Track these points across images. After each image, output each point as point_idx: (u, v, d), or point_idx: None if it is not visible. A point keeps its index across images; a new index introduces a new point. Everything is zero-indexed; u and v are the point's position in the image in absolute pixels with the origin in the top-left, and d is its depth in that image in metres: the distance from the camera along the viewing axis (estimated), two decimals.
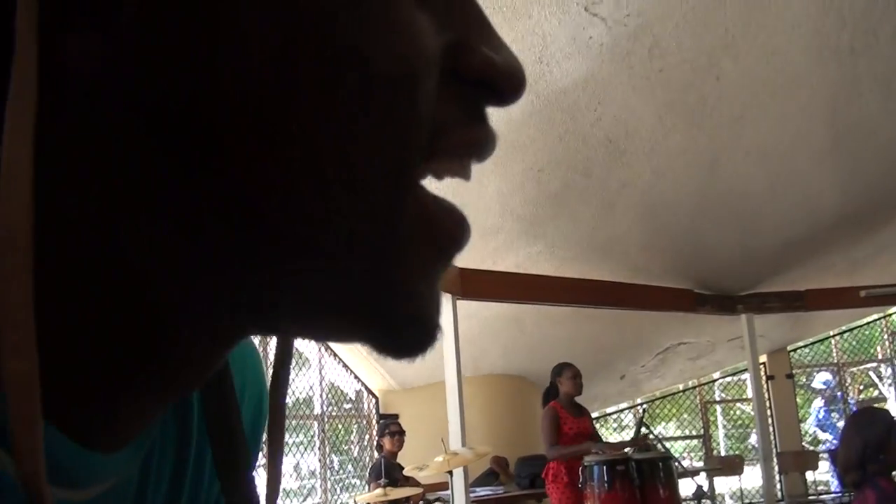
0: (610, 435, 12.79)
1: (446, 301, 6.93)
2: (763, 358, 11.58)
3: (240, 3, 0.31)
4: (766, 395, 11.45)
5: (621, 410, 13.30)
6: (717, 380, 13.89)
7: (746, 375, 11.43)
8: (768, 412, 10.89)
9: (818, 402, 13.30)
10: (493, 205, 6.81)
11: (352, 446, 10.38)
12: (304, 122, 0.32)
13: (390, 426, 7.38)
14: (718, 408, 14.38)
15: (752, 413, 13.10)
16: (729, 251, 8.02)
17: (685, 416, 13.55)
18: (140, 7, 0.31)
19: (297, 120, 0.32)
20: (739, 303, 9.09)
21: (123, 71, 0.31)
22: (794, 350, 12.67)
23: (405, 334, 0.38)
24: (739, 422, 14.69)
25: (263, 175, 0.32)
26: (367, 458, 9.84)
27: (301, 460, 9.63)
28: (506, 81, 0.38)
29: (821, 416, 13.14)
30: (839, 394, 13.15)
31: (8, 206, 0.28)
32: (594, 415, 7.90)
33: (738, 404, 14.45)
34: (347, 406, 10.19)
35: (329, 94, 0.32)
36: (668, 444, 8.63)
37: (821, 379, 13.20)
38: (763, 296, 9.11)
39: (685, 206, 7.15)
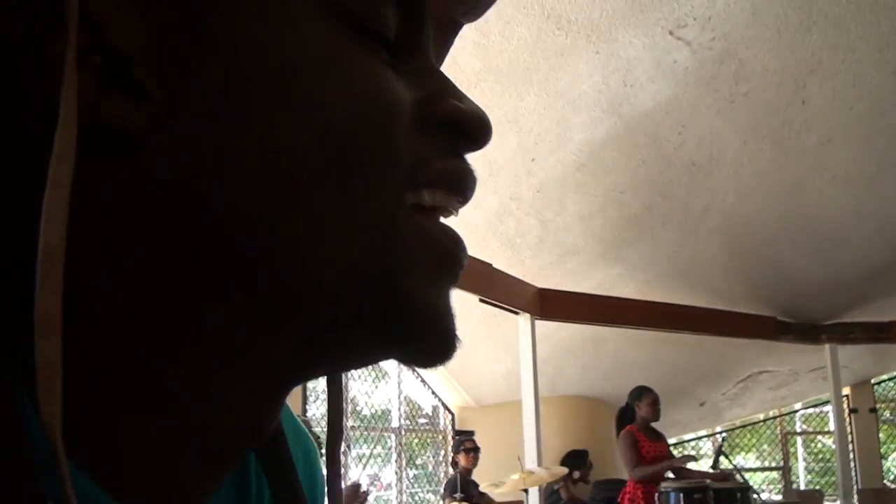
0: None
1: (525, 321, 6.97)
2: (846, 390, 11.32)
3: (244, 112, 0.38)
4: (849, 429, 11.18)
5: (699, 438, 13.11)
6: (799, 411, 13.61)
7: (828, 408, 11.20)
8: (850, 447, 10.62)
9: None
10: (574, 226, 6.85)
11: (427, 460, 10.46)
12: (304, 193, 0.38)
13: (466, 443, 7.43)
14: (799, 440, 14.08)
15: (834, 447, 12.83)
16: (813, 278, 7.89)
17: (765, 446, 13.30)
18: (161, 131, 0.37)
19: (298, 195, 0.38)
20: (823, 332, 8.92)
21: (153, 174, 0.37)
22: (878, 383, 12.37)
23: (426, 342, 0.43)
24: (821, 455, 14.33)
25: (274, 240, 0.38)
26: (442, 473, 9.91)
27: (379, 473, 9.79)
28: (473, 123, 0.44)
29: None
30: None
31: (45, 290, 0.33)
32: (671, 441, 7.84)
33: (820, 437, 14.12)
34: (422, 421, 10.30)
35: (321, 163, 0.38)
36: (746, 475, 8.51)
37: None
38: (847, 326, 8.93)
39: (769, 231, 7.08)
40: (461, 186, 0.44)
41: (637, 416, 6.56)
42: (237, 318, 0.39)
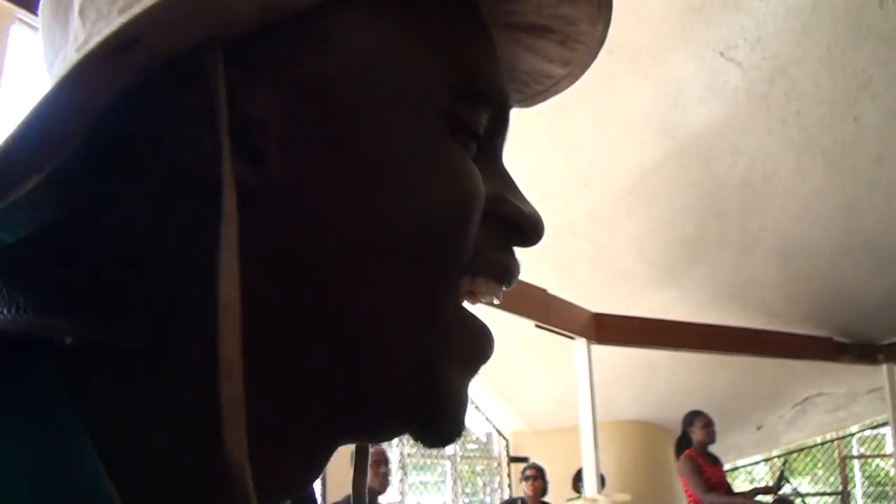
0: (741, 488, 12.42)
1: (581, 346, 6.95)
2: None
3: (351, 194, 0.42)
4: None
5: (755, 463, 12.90)
6: (856, 434, 13.35)
7: (886, 430, 10.99)
8: None
9: None
10: (627, 249, 6.86)
11: (481, 488, 10.43)
12: (392, 274, 0.43)
13: (526, 470, 7.40)
14: (857, 463, 13.81)
15: (892, 471, 12.56)
16: (870, 297, 7.77)
17: (820, 471, 13.08)
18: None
19: (388, 277, 0.43)
20: (881, 352, 8.76)
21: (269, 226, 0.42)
22: None
23: (441, 428, 0.47)
24: (878, 479, 14.02)
25: (354, 307, 0.43)
26: (498, 501, 9.88)
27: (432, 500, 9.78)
28: (530, 225, 0.49)
29: None
30: None
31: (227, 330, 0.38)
32: (725, 467, 7.73)
33: (877, 460, 13.84)
34: (472, 447, 10.30)
35: (415, 246, 0.43)
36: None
37: None
38: None
39: (824, 250, 7.01)
40: (510, 278, 0.50)
41: (693, 440, 6.53)
42: (303, 377, 0.44)
